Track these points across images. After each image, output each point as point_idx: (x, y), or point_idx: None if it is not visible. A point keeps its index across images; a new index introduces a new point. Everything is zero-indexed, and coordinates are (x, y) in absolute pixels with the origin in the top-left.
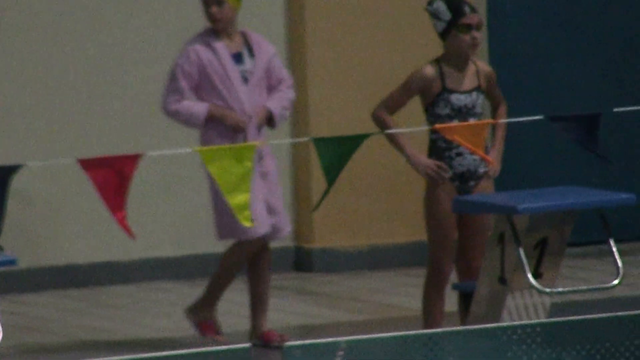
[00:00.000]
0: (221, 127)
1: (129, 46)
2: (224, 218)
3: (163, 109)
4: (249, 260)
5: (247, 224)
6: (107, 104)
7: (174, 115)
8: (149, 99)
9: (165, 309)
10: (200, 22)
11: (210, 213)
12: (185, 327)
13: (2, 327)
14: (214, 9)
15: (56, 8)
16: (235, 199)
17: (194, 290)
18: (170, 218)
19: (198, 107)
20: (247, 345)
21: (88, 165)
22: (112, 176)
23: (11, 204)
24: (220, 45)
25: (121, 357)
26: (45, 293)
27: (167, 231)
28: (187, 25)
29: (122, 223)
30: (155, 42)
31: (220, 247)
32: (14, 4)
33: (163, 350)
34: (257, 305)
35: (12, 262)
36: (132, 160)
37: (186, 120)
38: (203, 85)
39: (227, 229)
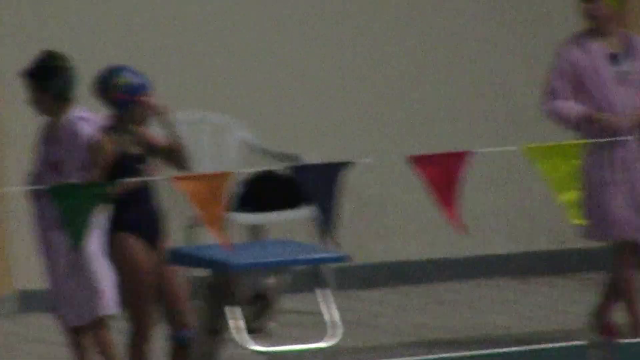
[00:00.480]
0: (594, 129)
1: (464, 44)
2: (592, 219)
3: (541, 108)
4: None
5: (577, 222)
6: (436, 102)
7: (548, 114)
8: (478, 97)
9: (499, 307)
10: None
11: (543, 209)
12: (518, 325)
13: (339, 322)
14: (587, 6)
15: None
16: (565, 197)
17: (529, 288)
18: (503, 215)
19: (570, 108)
20: (583, 342)
21: (418, 162)
22: (442, 173)
23: (343, 201)
24: (594, 46)
25: (456, 354)
26: (378, 289)
27: (499, 228)
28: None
29: (454, 220)
30: (489, 39)
31: (553, 244)
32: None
33: (500, 347)
34: (609, 297)
35: (344, 258)
36: (461, 157)
37: (559, 120)
38: (575, 86)
39: (594, 229)
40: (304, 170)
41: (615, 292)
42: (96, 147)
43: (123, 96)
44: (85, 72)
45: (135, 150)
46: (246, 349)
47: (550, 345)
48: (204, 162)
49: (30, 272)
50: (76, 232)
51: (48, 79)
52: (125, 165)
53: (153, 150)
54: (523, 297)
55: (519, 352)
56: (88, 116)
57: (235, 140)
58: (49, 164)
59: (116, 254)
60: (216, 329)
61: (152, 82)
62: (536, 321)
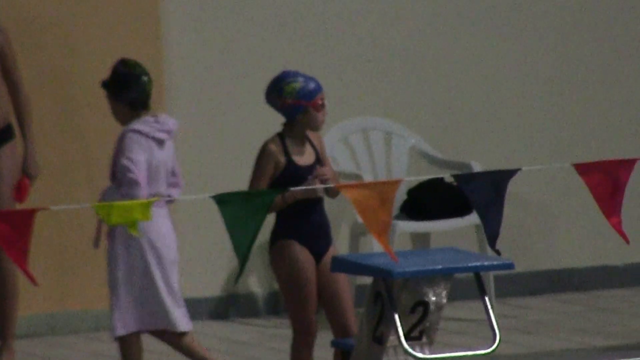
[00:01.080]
0: None
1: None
2: None
3: None
4: None
5: None
6: (602, 108)
7: None
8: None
9: None
10: None
11: None
12: None
13: (500, 330)
14: None
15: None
16: None
17: None
18: None
19: None
20: None
21: (583, 169)
22: (607, 181)
23: (507, 208)
24: None
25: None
26: (541, 297)
27: None
28: None
29: (618, 228)
30: None
31: None
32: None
33: None
34: None
35: (509, 266)
36: (627, 165)
37: None
38: None
39: None
40: (471, 178)
41: None
42: (265, 155)
43: (294, 102)
44: (258, 77)
45: (304, 160)
46: (408, 356)
47: None
48: (373, 168)
49: None
50: (242, 242)
51: (120, 88)
52: (294, 174)
53: (321, 160)
54: None
55: None
56: (143, 129)
57: (405, 147)
58: (112, 174)
59: (280, 261)
60: (378, 336)
61: (324, 87)
62: None
